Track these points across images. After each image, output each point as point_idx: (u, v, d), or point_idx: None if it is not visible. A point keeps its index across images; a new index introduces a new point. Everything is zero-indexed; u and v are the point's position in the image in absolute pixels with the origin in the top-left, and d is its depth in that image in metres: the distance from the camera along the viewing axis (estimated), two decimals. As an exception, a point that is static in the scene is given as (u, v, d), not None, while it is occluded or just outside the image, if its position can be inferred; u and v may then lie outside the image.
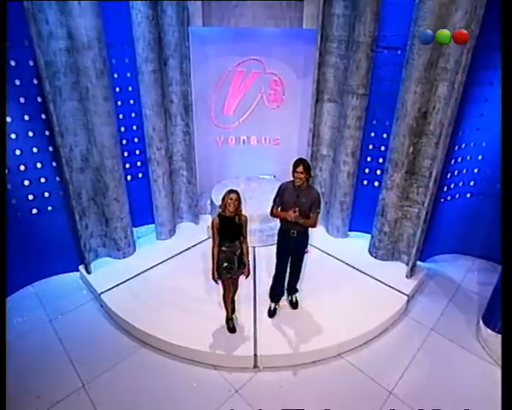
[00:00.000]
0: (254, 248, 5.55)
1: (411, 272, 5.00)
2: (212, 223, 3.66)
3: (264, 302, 4.53)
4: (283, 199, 3.95)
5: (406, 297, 4.69)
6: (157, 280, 4.90)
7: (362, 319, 4.35)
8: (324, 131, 5.47)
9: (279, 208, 4.01)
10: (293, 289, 4.52)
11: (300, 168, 3.74)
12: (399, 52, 4.80)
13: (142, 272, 5.01)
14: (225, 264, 3.77)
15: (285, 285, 4.45)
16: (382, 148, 5.34)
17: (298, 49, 5.91)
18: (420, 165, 4.69)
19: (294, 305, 4.52)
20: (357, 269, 5.18)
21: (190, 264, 5.21)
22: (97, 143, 4.50)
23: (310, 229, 4.13)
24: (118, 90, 4.92)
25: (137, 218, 5.73)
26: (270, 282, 4.52)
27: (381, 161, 5.41)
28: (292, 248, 4.15)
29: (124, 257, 5.23)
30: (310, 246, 4.33)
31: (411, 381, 3.85)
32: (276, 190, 4.09)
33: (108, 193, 4.80)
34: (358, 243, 5.72)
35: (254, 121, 6.67)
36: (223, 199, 3.63)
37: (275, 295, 4.46)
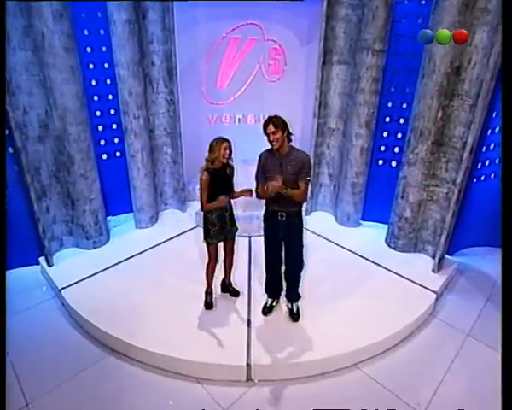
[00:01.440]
0: (250, 237, 4.82)
1: (439, 266, 4.24)
2: (201, 179, 3.24)
3: (261, 300, 3.80)
4: (266, 173, 3.20)
5: (434, 295, 3.93)
6: (131, 274, 4.16)
7: (381, 320, 3.61)
8: (333, 100, 4.75)
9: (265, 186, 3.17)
10: (293, 295, 3.69)
11: (271, 127, 2.98)
12: (424, 2, 4.10)
13: (115, 265, 4.28)
14: (218, 226, 3.40)
15: (282, 280, 3.69)
16: (401, 120, 4.63)
17: (301, 10, 5.19)
18: (450, 134, 3.95)
19: (295, 316, 3.63)
20: (372, 262, 4.42)
21: (173, 256, 4.47)
22: (58, 105, 3.78)
23: (304, 209, 3.42)
24: (89, 50, 4.23)
25: (115, 205, 5.02)
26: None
27: (399, 136, 4.69)
28: (282, 236, 3.37)
29: (94, 247, 4.50)
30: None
31: (447, 398, 3.09)
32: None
33: (74, 168, 4.07)
34: (373, 232, 4.98)
35: (252, 97, 5.94)
36: (211, 150, 3.20)
37: (270, 290, 3.74)
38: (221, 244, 3.63)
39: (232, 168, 3.42)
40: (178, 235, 4.85)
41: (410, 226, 4.43)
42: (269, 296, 3.75)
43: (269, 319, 3.64)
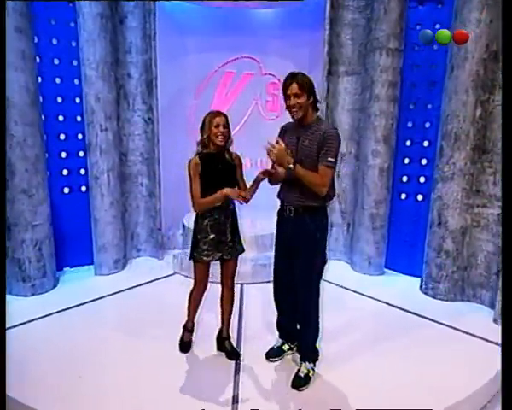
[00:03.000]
0: (242, 285, 3.77)
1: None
2: (190, 164, 2.44)
3: (252, 366, 2.64)
4: None
5: (506, 351, 2.78)
6: (72, 330, 3.03)
7: (438, 388, 2.44)
8: (341, 118, 4.10)
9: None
10: (302, 348, 2.55)
11: (294, 88, 2.21)
12: (440, 6, 3.69)
13: (53, 314, 3.18)
14: (212, 235, 2.47)
15: (294, 315, 2.61)
16: (426, 143, 3.93)
17: (301, 39, 4.86)
18: (494, 136, 3.21)
19: (297, 382, 2.40)
20: (410, 312, 3.33)
21: (136, 306, 3.40)
22: (0, 97, 3.10)
23: (328, 210, 2.44)
24: (57, 62, 3.73)
25: (74, 252, 4.08)
26: (260, 338, 2.91)
27: (424, 162, 3.95)
28: (289, 243, 2.39)
29: (33, 293, 3.45)
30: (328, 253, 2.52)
31: None
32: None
33: (14, 181, 3.25)
34: (403, 280, 3.98)
35: (247, 137, 5.33)
36: (202, 129, 2.44)
37: (280, 328, 2.72)
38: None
39: (234, 156, 2.55)
40: (148, 282, 3.81)
41: (454, 263, 3.44)
42: (280, 336, 2.72)
43: (267, 389, 2.45)
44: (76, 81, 3.84)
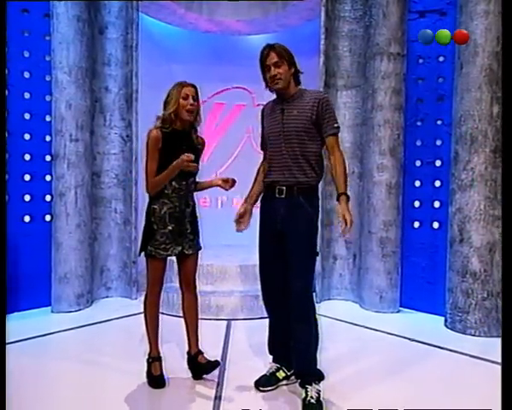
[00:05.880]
0: (229, 322, 3.32)
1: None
2: (149, 136, 2.19)
3: (237, 398, 2.18)
4: (266, 129, 2.27)
5: None
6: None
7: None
8: (342, 135, 3.85)
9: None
10: (302, 368, 2.14)
11: (273, 57, 2.10)
12: (443, 17, 3.71)
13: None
14: (171, 226, 2.19)
15: (286, 331, 2.19)
16: (438, 162, 3.72)
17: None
18: (516, 136, 2.99)
19: (309, 408, 2.04)
20: (435, 346, 2.87)
21: (97, 344, 2.93)
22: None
23: (319, 193, 2.29)
24: (27, 75, 3.62)
25: (31, 292, 3.63)
26: (248, 366, 2.55)
27: (438, 184, 3.72)
28: (281, 230, 2.11)
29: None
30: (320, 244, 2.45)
31: None
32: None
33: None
34: (424, 317, 3.53)
35: (238, 174, 5.14)
36: (166, 101, 2.21)
37: (271, 345, 2.33)
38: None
39: (200, 139, 2.36)
40: (115, 319, 3.34)
41: (483, 288, 3.03)
42: (273, 360, 2.32)
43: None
44: (47, 98, 3.70)
